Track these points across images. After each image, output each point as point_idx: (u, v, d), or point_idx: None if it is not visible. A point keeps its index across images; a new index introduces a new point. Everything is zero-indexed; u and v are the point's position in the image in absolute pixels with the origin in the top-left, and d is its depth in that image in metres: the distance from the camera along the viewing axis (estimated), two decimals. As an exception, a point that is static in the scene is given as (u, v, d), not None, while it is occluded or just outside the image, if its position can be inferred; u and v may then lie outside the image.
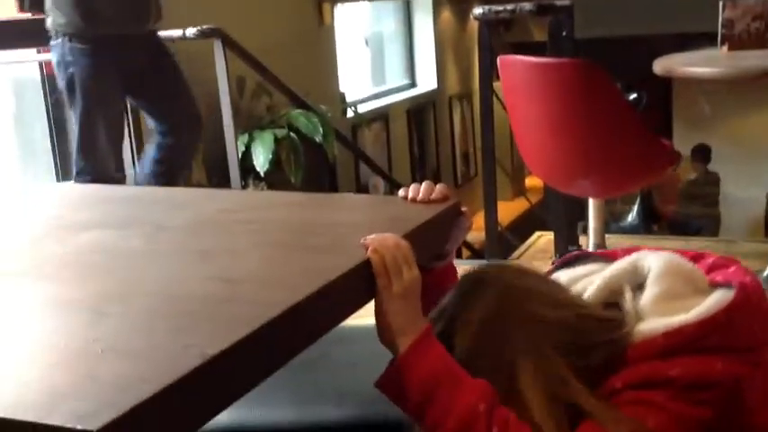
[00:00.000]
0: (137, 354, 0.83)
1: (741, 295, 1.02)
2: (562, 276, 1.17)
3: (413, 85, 7.21)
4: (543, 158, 2.94)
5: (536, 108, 2.80)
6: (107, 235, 1.27)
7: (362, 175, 5.81)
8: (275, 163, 4.28)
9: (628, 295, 1.07)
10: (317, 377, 1.44)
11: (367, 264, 1.04)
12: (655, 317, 1.03)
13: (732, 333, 1.01)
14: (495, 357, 1.03)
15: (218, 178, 4.23)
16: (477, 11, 3.35)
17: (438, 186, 1.29)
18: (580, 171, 2.85)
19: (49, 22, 3.03)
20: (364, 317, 1.12)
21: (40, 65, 3.81)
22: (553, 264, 1.25)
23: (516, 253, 3.76)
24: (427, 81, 7.23)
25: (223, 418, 0.85)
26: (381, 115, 6.40)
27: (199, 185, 4.18)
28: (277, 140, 4.32)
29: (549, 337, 1.03)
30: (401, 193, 1.32)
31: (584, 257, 1.21)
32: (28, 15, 3.66)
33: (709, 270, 1.12)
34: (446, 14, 7.46)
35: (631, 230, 6.18)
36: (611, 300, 1.09)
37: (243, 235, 1.26)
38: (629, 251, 1.16)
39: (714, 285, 1.08)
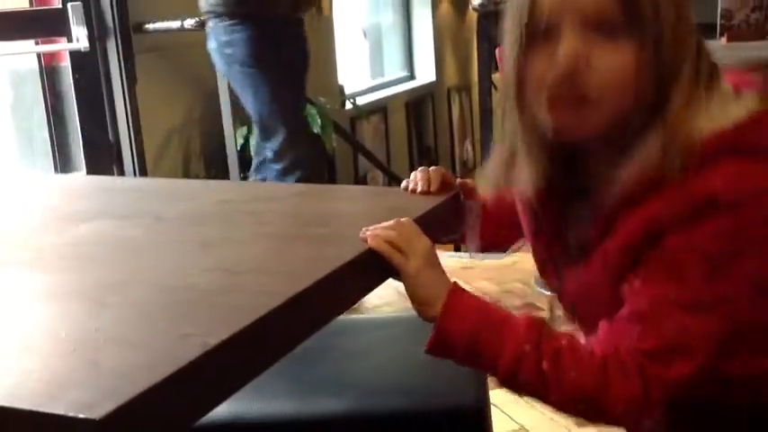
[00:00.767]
0: (138, 344, 0.83)
1: None
2: None
3: (411, 77, 7.19)
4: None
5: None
6: (107, 225, 1.27)
7: (361, 167, 5.80)
8: (274, 155, 4.27)
9: None
10: (317, 368, 1.44)
11: (369, 253, 1.03)
12: None
13: None
14: None
15: (217, 170, 4.22)
16: (476, 1, 3.35)
17: (433, 173, 1.31)
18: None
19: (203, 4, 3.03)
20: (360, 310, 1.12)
21: (38, 56, 3.80)
22: None
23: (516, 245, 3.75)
24: (426, 73, 7.21)
25: (222, 409, 0.85)
26: (380, 107, 6.38)
27: (197, 177, 4.17)
28: (276, 132, 4.31)
29: None
30: (403, 185, 1.33)
31: None
32: (26, 6, 3.65)
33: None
34: (445, 5, 7.44)
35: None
36: None
37: (243, 226, 1.26)
38: None
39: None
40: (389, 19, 7.16)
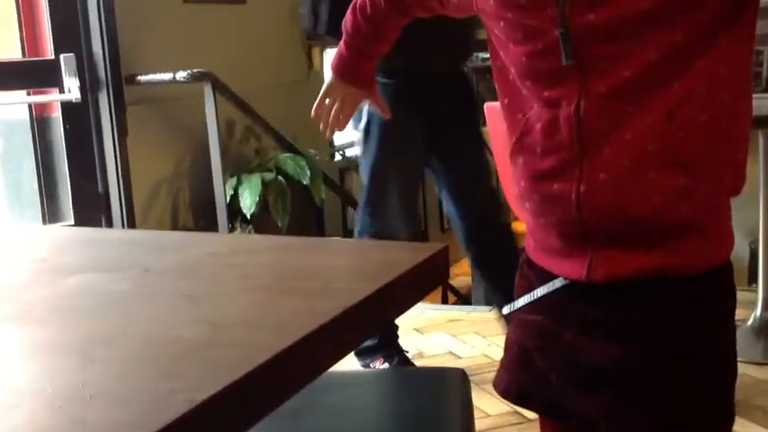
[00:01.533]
0: (125, 399, 0.82)
1: None
2: None
3: (400, 130, 7.24)
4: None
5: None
6: (95, 278, 1.27)
7: (350, 219, 5.81)
8: (262, 206, 4.28)
9: None
10: (304, 425, 1.43)
11: (358, 307, 1.04)
12: None
13: None
14: None
15: (205, 221, 4.23)
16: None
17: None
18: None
19: None
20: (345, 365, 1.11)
21: (30, 106, 3.82)
22: None
23: (503, 298, 3.75)
24: (415, 126, 7.26)
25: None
26: (369, 160, 6.42)
27: (185, 228, 4.18)
28: (265, 184, 4.33)
29: None
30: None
31: None
32: (19, 57, 3.68)
33: None
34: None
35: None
36: None
37: (230, 279, 1.26)
38: None
39: None
40: (379, 73, 7.21)
